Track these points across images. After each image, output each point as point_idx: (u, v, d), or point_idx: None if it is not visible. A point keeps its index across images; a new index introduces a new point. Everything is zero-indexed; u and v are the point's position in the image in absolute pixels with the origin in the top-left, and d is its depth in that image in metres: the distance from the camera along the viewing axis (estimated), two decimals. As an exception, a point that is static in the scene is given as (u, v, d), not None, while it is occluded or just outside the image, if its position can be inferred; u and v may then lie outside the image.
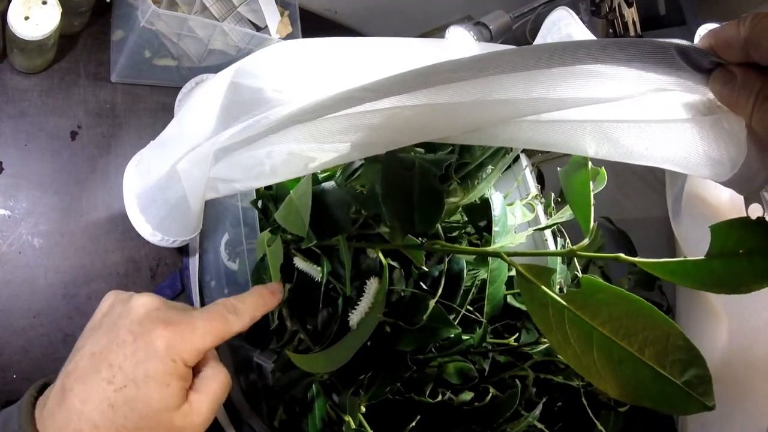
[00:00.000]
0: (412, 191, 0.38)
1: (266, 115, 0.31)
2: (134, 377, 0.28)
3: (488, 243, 0.47)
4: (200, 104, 0.38)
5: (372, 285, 0.40)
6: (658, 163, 0.27)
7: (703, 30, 0.67)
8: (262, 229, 0.46)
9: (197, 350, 0.31)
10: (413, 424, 0.41)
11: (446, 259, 0.46)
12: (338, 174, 0.48)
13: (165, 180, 0.41)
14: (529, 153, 0.66)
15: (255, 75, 0.35)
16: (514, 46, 0.26)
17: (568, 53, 0.23)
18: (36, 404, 0.29)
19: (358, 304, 0.40)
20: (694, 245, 0.49)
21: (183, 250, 0.56)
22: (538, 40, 0.44)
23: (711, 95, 0.25)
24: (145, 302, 0.32)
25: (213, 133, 0.33)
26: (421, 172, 0.39)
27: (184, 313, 0.32)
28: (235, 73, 0.35)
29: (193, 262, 0.56)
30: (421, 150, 0.46)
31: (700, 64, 0.24)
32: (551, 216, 0.59)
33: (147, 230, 0.47)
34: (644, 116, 0.26)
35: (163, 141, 0.44)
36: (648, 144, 0.26)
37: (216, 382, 0.32)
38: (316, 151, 0.29)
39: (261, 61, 0.36)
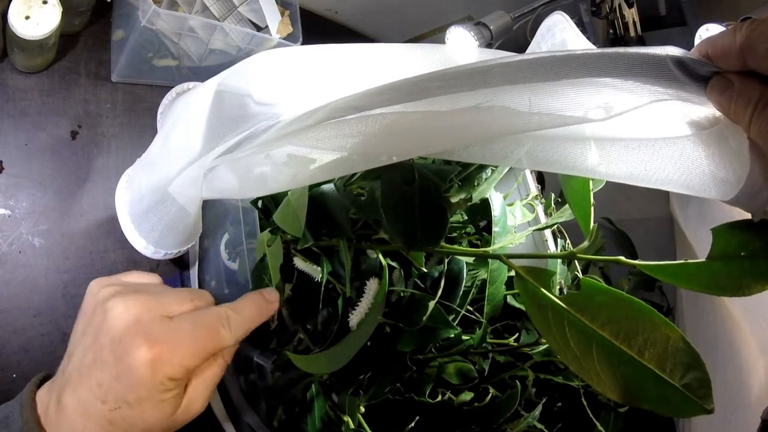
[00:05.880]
0: (413, 208, 0.37)
1: (254, 131, 0.31)
2: (126, 399, 0.27)
3: (488, 243, 0.47)
4: (185, 120, 0.37)
5: (372, 285, 0.40)
6: (660, 184, 0.26)
7: (704, 30, 0.67)
8: (262, 229, 0.46)
9: (185, 368, 0.29)
10: (413, 424, 0.41)
11: (446, 260, 0.46)
12: (337, 177, 0.48)
13: (158, 201, 0.41)
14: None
15: (239, 88, 0.34)
16: (506, 54, 0.26)
17: (560, 65, 0.23)
18: (35, 398, 0.29)
19: (358, 305, 0.40)
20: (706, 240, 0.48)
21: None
22: (532, 45, 0.44)
23: (711, 106, 0.25)
24: (122, 313, 0.28)
25: (201, 154, 0.33)
26: (422, 186, 0.38)
27: (168, 325, 0.29)
28: (219, 86, 0.35)
29: (193, 263, 0.56)
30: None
31: (698, 73, 0.23)
32: (551, 216, 0.59)
33: (148, 249, 0.48)
34: (643, 133, 0.25)
35: (150, 161, 0.44)
36: (648, 165, 0.25)
37: (209, 367, 0.31)
38: (316, 153, 0.29)
39: (245, 72, 0.35)
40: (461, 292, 0.47)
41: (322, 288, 0.43)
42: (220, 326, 0.30)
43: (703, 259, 0.28)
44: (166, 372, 0.27)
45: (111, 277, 0.33)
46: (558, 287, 0.48)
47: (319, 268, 0.42)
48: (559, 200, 0.61)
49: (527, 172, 0.62)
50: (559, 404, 0.52)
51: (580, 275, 0.51)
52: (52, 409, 0.28)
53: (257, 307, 0.34)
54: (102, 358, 0.28)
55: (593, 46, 0.39)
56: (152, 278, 0.36)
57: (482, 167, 0.47)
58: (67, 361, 0.30)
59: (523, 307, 0.52)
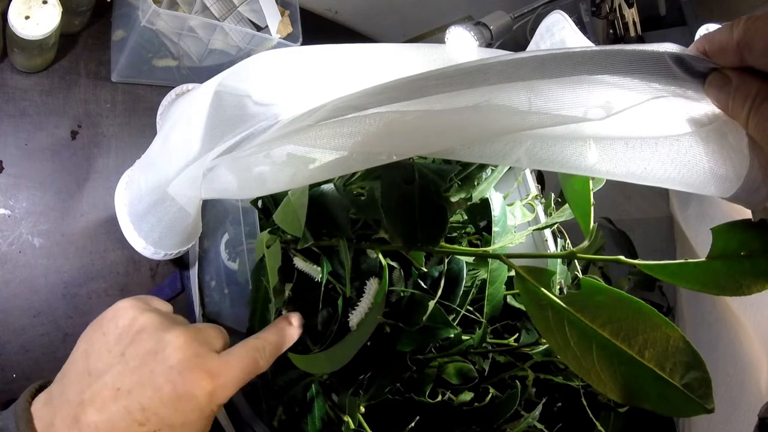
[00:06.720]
0: (413, 207, 0.37)
1: (253, 131, 0.31)
2: (171, 423, 0.28)
3: (488, 243, 0.47)
4: (185, 121, 0.37)
5: (372, 285, 0.40)
6: (659, 182, 0.26)
7: (704, 30, 0.67)
8: (262, 229, 0.46)
9: (232, 394, 0.32)
10: (413, 424, 0.41)
11: (446, 260, 0.46)
12: (337, 177, 0.48)
13: (157, 201, 0.41)
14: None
15: (239, 88, 0.34)
16: (506, 53, 0.26)
17: (558, 62, 0.23)
18: (31, 409, 0.28)
19: (357, 305, 0.40)
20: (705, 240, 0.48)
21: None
22: (532, 45, 0.44)
23: (710, 103, 0.25)
24: (181, 346, 0.30)
25: (200, 154, 0.33)
26: (422, 186, 0.38)
27: (220, 359, 0.32)
28: (218, 86, 0.35)
29: (193, 263, 0.56)
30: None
31: (696, 70, 0.23)
32: (551, 216, 0.59)
33: (148, 250, 0.48)
34: (642, 131, 0.25)
35: (150, 162, 0.44)
36: (647, 163, 0.25)
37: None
38: (316, 153, 0.29)
39: (245, 73, 0.35)
40: (461, 292, 0.47)
41: (322, 288, 0.42)
42: (259, 357, 0.34)
43: (703, 259, 0.28)
44: (219, 401, 0.31)
45: (139, 300, 0.34)
46: (558, 287, 0.48)
47: (319, 268, 0.42)
48: (559, 200, 0.61)
49: (527, 172, 0.62)
50: (559, 404, 0.52)
51: (580, 275, 0.51)
52: (61, 425, 0.27)
53: (285, 335, 0.38)
54: (154, 384, 0.29)
55: (592, 45, 0.39)
56: (169, 307, 0.37)
57: (482, 167, 0.47)
58: (86, 377, 0.29)
59: (523, 307, 0.52)
